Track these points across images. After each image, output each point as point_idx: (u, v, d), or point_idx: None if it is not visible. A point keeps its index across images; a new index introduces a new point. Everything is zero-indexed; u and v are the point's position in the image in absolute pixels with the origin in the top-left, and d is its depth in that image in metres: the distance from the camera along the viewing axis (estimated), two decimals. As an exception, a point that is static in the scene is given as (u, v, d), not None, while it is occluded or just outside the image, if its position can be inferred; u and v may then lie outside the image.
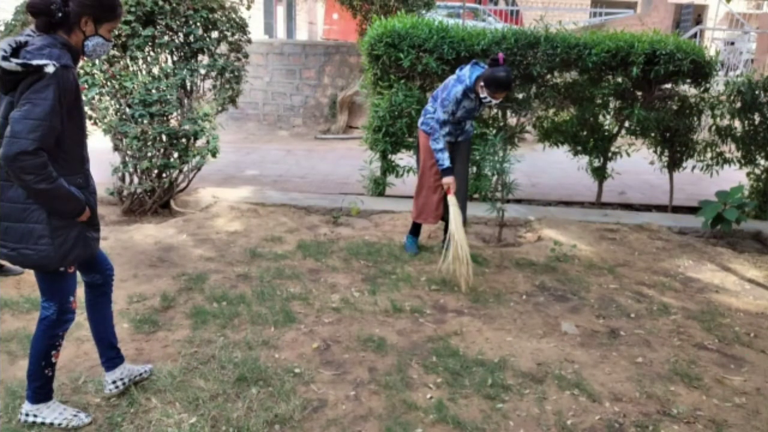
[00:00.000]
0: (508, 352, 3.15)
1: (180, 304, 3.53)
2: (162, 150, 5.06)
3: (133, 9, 4.74)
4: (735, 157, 5.98)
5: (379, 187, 5.97)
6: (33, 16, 2.12)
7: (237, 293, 3.69)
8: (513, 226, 5.30)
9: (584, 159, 6.16)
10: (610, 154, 6.06)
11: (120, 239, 4.52)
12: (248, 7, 5.74)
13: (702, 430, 2.60)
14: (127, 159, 5.03)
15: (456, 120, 4.14)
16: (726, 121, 5.87)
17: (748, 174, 6.03)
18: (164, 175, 5.20)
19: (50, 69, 2.02)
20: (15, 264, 2.28)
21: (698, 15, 21.02)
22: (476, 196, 5.63)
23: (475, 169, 5.58)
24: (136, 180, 5.18)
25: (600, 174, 6.15)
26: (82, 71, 4.76)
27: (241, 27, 5.60)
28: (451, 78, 4.14)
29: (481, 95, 3.99)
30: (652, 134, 5.94)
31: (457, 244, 3.88)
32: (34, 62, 2.02)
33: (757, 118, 5.81)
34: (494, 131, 5.72)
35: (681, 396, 2.84)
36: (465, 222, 4.21)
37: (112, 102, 4.91)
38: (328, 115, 10.84)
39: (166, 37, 4.98)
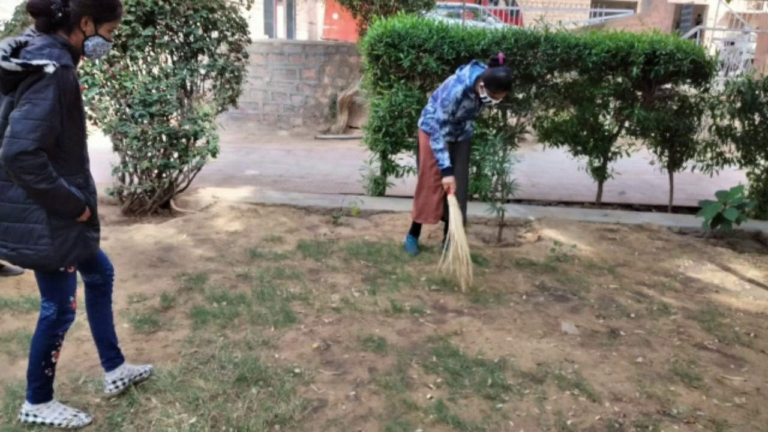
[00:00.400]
0: (508, 352, 3.15)
1: (180, 304, 3.53)
2: (162, 150, 5.06)
3: (133, 9, 4.74)
4: (735, 157, 5.98)
5: (379, 187, 5.97)
6: (33, 16, 2.12)
7: (237, 293, 3.69)
8: (513, 226, 5.29)
9: (584, 159, 6.16)
10: (610, 154, 6.06)
11: (120, 239, 4.52)
12: (248, 7, 5.74)
13: (702, 430, 2.60)
14: (127, 159, 5.03)
15: (456, 120, 4.14)
16: (726, 121, 5.87)
17: (748, 174, 6.03)
18: (164, 175, 5.20)
19: (50, 69, 2.02)
20: (15, 264, 2.28)
21: (698, 15, 21.02)
22: (476, 196, 5.63)
23: (475, 169, 5.58)
24: (136, 180, 5.18)
25: (600, 174, 6.15)
26: (82, 71, 4.76)
27: (241, 27, 5.60)
28: (451, 78, 4.14)
29: (481, 95, 3.99)
30: (652, 134, 5.94)
31: (457, 244, 3.88)
32: (34, 62, 2.02)
33: (757, 118, 5.81)
34: (494, 131, 5.72)
35: (681, 396, 2.84)
36: (465, 222, 4.21)
37: (112, 102, 4.91)
38: (328, 115, 10.85)
39: (166, 37, 4.98)
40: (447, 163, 4.07)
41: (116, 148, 5.10)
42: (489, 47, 5.32)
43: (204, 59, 5.38)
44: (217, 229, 4.88)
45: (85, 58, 2.31)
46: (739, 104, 5.77)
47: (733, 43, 14.57)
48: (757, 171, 5.99)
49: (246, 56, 5.75)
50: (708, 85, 5.78)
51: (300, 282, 3.91)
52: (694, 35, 12.18)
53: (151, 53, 5.06)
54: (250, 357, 2.95)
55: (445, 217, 4.33)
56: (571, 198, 6.66)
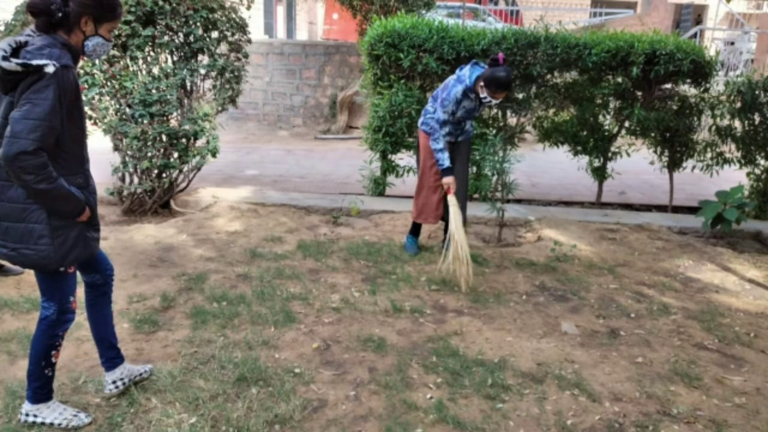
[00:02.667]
0: (508, 352, 3.15)
1: (180, 304, 3.53)
2: (162, 150, 5.06)
3: (133, 9, 4.74)
4: (735, 157, 5.97)
5: (379, 187, 5.97)
6: (33, 16, 2.12)
7: (237, 293, 3.69)
8: (513, 226, 5.29)
9: (584, 159, 6.16)
10: (610, 154, 6.06)
11: (120, 239, 4.52)
12: (248, 7, 5.74)
13: (702, 430, 2.60)
14: (127, 159, 5.03)
15: (456, 120, 4.14)
16: (726, 121, 5.87)
17: (748, 174, 6.03)
18: (164, 175, 5.20)
19: (50, 69, 2.02)
20: (15, 264, 2.28)
21: (698, 15, 21.01)
22: (476, 196, 5.63)
23: (475, 169, 5.58)
24: (136, 180, 5.18)
25: (600, 174, 6.15)
26: (82, 71, 4.76)
27: (241, 27, 5.60)
28: (451, 78, 4.14)
29: (481, 95, 3.99)
30: (652, 134, 5.94)
31: (457, 244, 3.88)
32: (34, 62, 2.02)
33: (757, 118, 5.81)
34: (494, 131, 5.72)
35: (681, 396, 2.84)
36: (465, 222, 4.21)
37: (112, 102, 4.91)
38: (328, 115, 10.85)
39: (166, 37, 4.98)
40: (447, 163, 4.07)
41: (116, 148, 5.10)
42: (489, 47, 5.32)
43: (204, 59, 5.38)
44: (217, 229, 4.88)
45: (85, 58, 2.31)
46: (739, 104, 5.76)
47: (733, 43, 14.56)
48: (757, 171, 5.99)
49: (246, 56, 5.74)
50: (708, 85, 5.78)
51: (300, 282, 3.91)
52: (694, 35, 12.18)
53: (151, 53, 5.06)
54: (250, 357, 2.95)
55: (445, 217, 4.33)
56: (571, 198, 6.66)
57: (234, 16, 5.51)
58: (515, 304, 3.76)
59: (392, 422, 2.53)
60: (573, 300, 3.87)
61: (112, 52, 4.83)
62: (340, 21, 14.83)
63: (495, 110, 5.89)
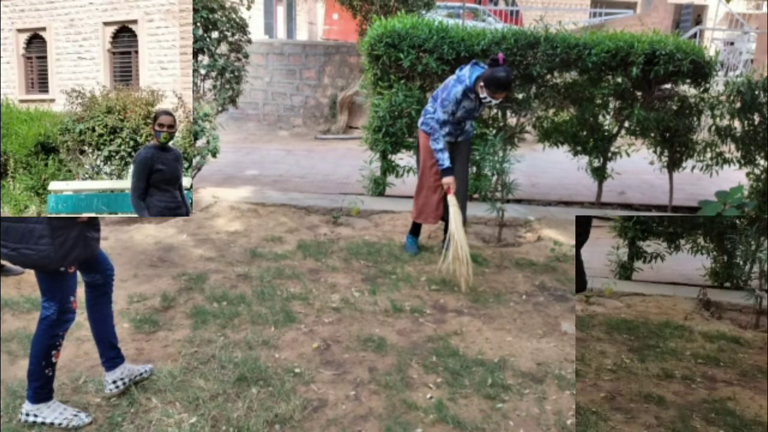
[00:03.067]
0: (508, 352, 3.16)
1: (180, 304, 3.53)
2: (162, 150, 5.06)
3: (133, 9, 4.74)
4: (735, 157, 5.97)
5: (379, 187, 5.97)
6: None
7: (237, 293, 3.69)
8: (513, 226, 5.29)
9: (584, 159, 6.16)
10: (610, 154, 6.06)
11: (120, 239, 4.52)
12: (248, 7, 5.75)
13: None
14: (127, 159, 5.04)
15: (456, 120, 4.14)
16: (726, 121, 5.87)
17: (747, 174, 6.02)
18: (164, 175, 5.20)
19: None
20: (15, 264, 2.29)
21: (698, 15, 21.01)
22: (476, 196, 5.63)
23: (475, 169, 5.58)
24: (136, 180, 5.18)
25: (600, 174, 6.15)
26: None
27: (241, 27, 5.60)
28: (451, 78, 4.14)
29: (481, 95, 3.99)
30: (652, 134, 5.95)
31: (457, 244, 3.88)
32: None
33: (756, 118, 5.80)
34: (494, 131, 5.72)
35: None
36: (465, 222, 4.21)
37: (113, 102, 4.92)
38: (328, 115, 10.84)
39: (166, 37, 4.99)
40: (447, 163, 4.07)
41: (116, 148, 5.11)
42: (489, 47, 5.32)
43: (204, 59, 5.38)
44: (217, 229, 4.88)
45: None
46: (738, 104, 5.76)
47: (732, 44, 14.57)
48: (757, 171, 5.98)
49: (246, 56, 5.75)
50: (708, 85, 5.78)
51: (300, 282, 3.91)
52: (694, 35, 12.18)
53: (151, 53, 5.07)
54: (250, 357, 2.95)
55: (445, 217, 4.33)
56: (571, 198, 6.66)
57: (234, 16, 5.52)
58: (515, 304, 3.76)
59: (392, 422, 2.53)
60: (573, 300, 3.87)
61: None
62: (340, 21, 14.82)
63: (495, 110, 5.89)
